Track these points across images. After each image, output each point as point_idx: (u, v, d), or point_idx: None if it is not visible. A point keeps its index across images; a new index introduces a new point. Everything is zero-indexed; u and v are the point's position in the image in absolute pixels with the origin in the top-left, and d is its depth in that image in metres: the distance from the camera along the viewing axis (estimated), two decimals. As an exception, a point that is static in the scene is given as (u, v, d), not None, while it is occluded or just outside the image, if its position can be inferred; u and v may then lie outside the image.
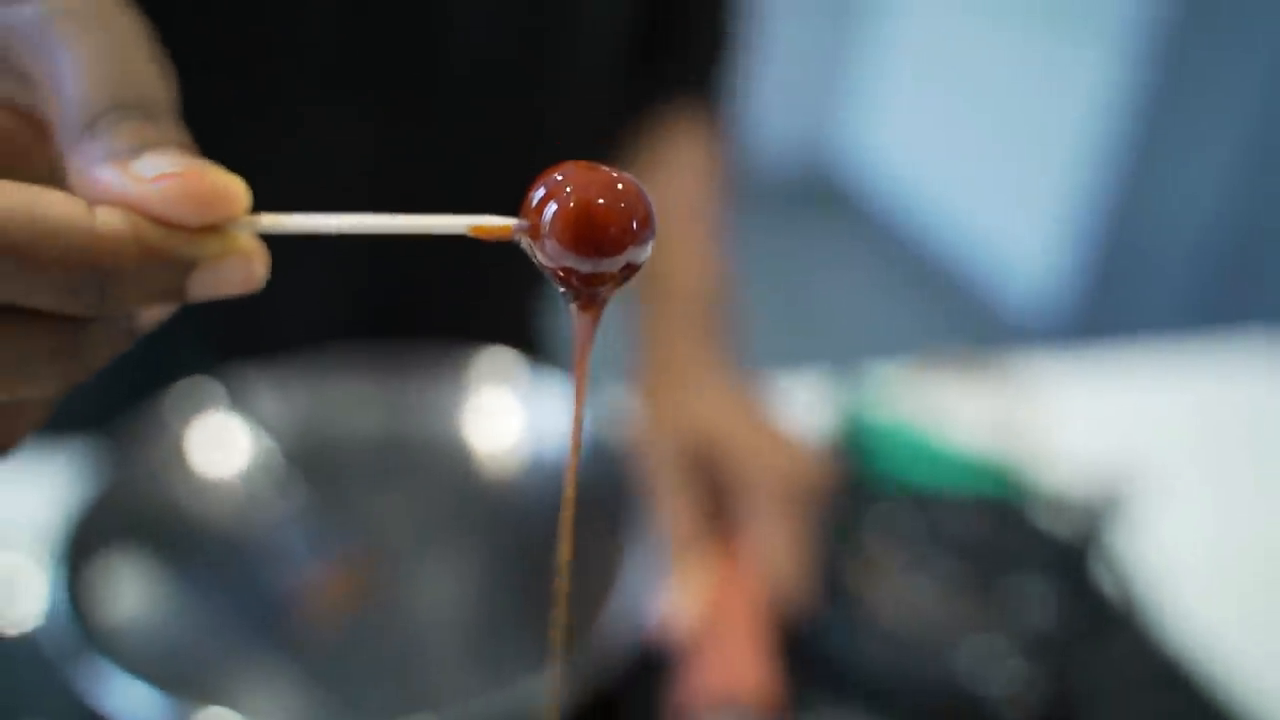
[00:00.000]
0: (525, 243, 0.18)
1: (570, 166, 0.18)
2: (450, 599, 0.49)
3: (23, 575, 0.48)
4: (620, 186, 0.18)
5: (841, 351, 0.93)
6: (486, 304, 0.65)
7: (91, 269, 0.17)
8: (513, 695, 0.37)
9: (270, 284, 0.61)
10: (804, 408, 0.66)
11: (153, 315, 0.21)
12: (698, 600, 0.48)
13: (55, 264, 0.17)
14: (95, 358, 0.19)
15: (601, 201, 0.17)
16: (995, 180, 2.59)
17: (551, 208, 0.17)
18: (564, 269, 0.18)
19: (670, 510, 0.51)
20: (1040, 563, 0.55)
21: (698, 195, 0.67)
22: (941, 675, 0.49)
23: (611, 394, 0.61)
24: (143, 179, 0.18)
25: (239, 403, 0.51)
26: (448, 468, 0.52)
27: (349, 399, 0.53)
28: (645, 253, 0.18)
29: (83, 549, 0.43)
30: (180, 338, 0.58)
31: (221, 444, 0.50)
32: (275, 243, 0.56)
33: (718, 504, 0.53)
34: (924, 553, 0.55)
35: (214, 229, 0.18)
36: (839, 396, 0.68)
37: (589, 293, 0.18)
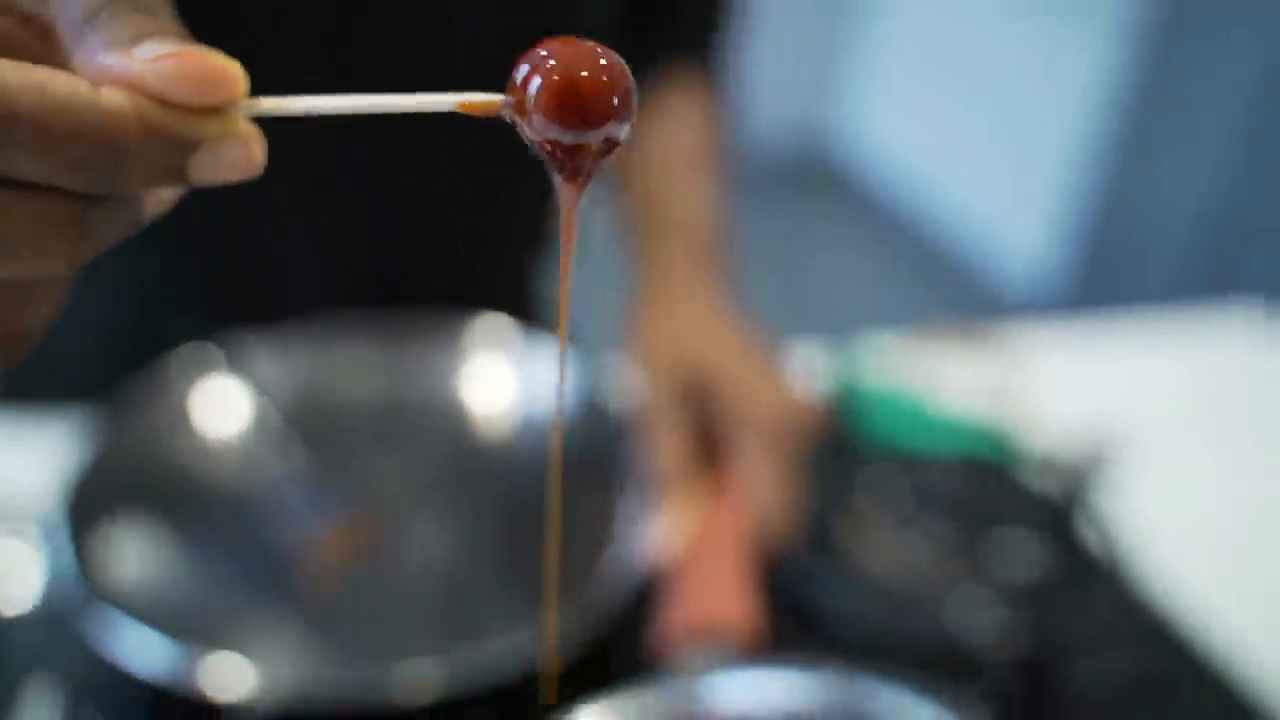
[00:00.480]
0: (511, 117, 0.19)
1: (554, 43, 0.19)
2: (447, 554, 0.50)
3: (20, 555, 0.48)
4: (603, 62, 0.18)
5: (836, 329, 0.94)
6: (484, 272, 0.66)
7: (98, 143, 0.18)
8: (507, 641, 0.38)
9: (270, 252, 0.62)
10: (798, 376, 0.67)
11: (158, 202, 0.22)
12: (683, 532, 0.49)
13: (64, 138, 0.18)
14: (103, 236, 0.20)
15: (585, 75, 0.18)
16: (989, 160, 2.62)
17: (536, 82, 0.18)
18: (549, 141, 0.19)
19: (660, 440, 0.51)
20: (1027, 519, 0.56)
21: (696, 145, 0.67)
22: (929, 626, 0.50)
23: (607, 356, 0.62)
24: (143, 60, 0.18)
25: (239, 367, 0.52)
26: (444, 429, 0.53)
27: (347, 364, 0.54)
28: (626, 128, 0.19)
29: (87, 508, 0.44)
30: (180, 306, 0.59)
31: (222, 407, 0.51)
32: (277, 212, 0.56)
33: (707, 436, 0.53)
34: (913, 511, 0.56)
35: (214, 111, 0.19)
36: (833, 364, 0.69)
37: (573, 165, 0.19)
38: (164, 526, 0.47)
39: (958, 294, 2.60)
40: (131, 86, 0.18)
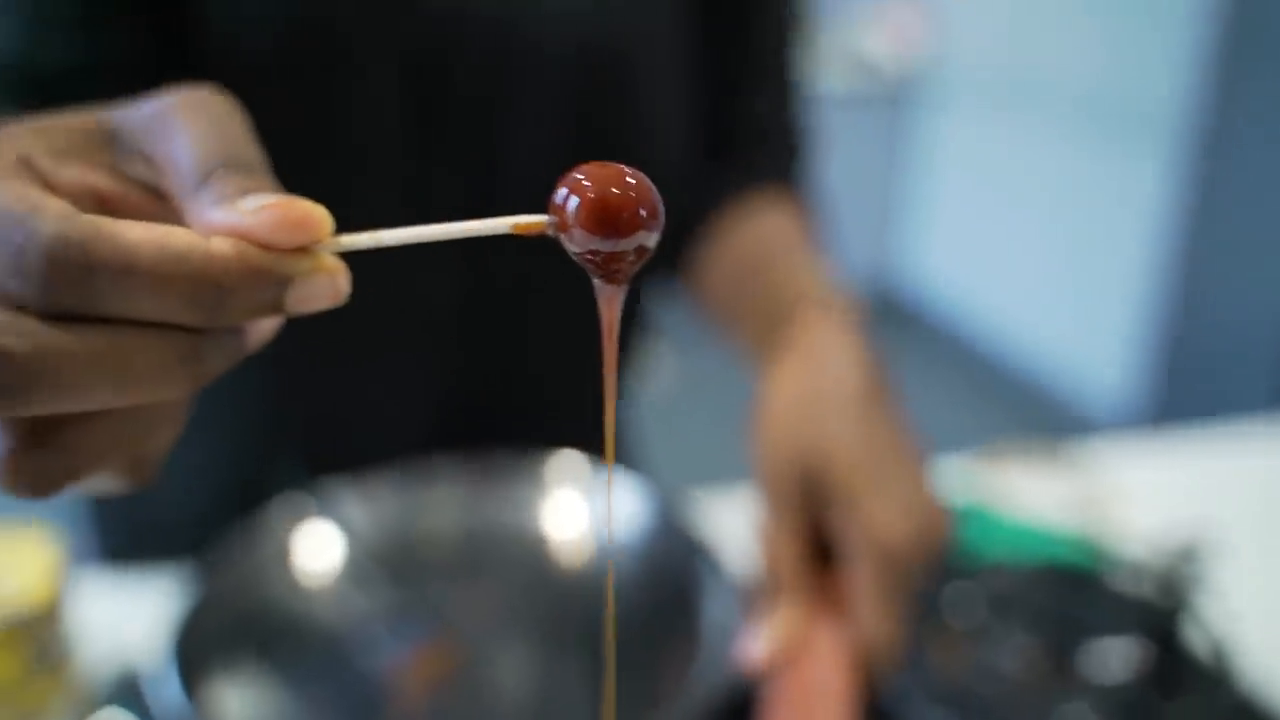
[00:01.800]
0: (555, 234, 0.22)
1: (588, 167, 0.22)
2: (529, 676, 0.50)
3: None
4: (630, 180, 0.21)
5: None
6: (567, 413, 0.68)
7: (209, 285, 0.21)
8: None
9: (361, 404, 0.66)
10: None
11: (260, 334, 0.25)
12: (780, 655, 0.45)
13: (180, 280, 0.21)
14: (215, 363, 0.23)
15: (615, 191, 0.21)
16: (1059, 287, 2.62)
17: (574, 201, 0.21)
18: (590, 252, 0.21)
19: (768, 543, 0.47)
20: (1122, 625, 0.54)
21: (793, 234, 0.65)
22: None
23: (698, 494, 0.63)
24: (246, 211, 0.22)
25: (330, 513, 0.55)
26: (523, 560, 0.55)
27: (430, 504, 0.57)
28: (655, 237, 0.22)
29: (192, 650, 0.46)
30: (276, 460, 0.63)
31: (316, 551, 0.54)
32: (365, 367, 0.60)
33: (821, 543, 0.47)
34: (1004, 622, 0.55)
35: (304, 251, 0.22)
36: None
37: (611, 271, 0.22)
38: (264, 663, 0.49)
39: (1036, 417, 2.58)
40: (237, 235, 0.22)
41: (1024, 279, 2.76)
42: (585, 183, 0.21)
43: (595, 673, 0.50)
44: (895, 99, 3.14)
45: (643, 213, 0.21)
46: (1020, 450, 0.77)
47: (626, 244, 0.21)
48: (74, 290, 0.20)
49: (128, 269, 0.20)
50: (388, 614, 0.53)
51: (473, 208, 0.58)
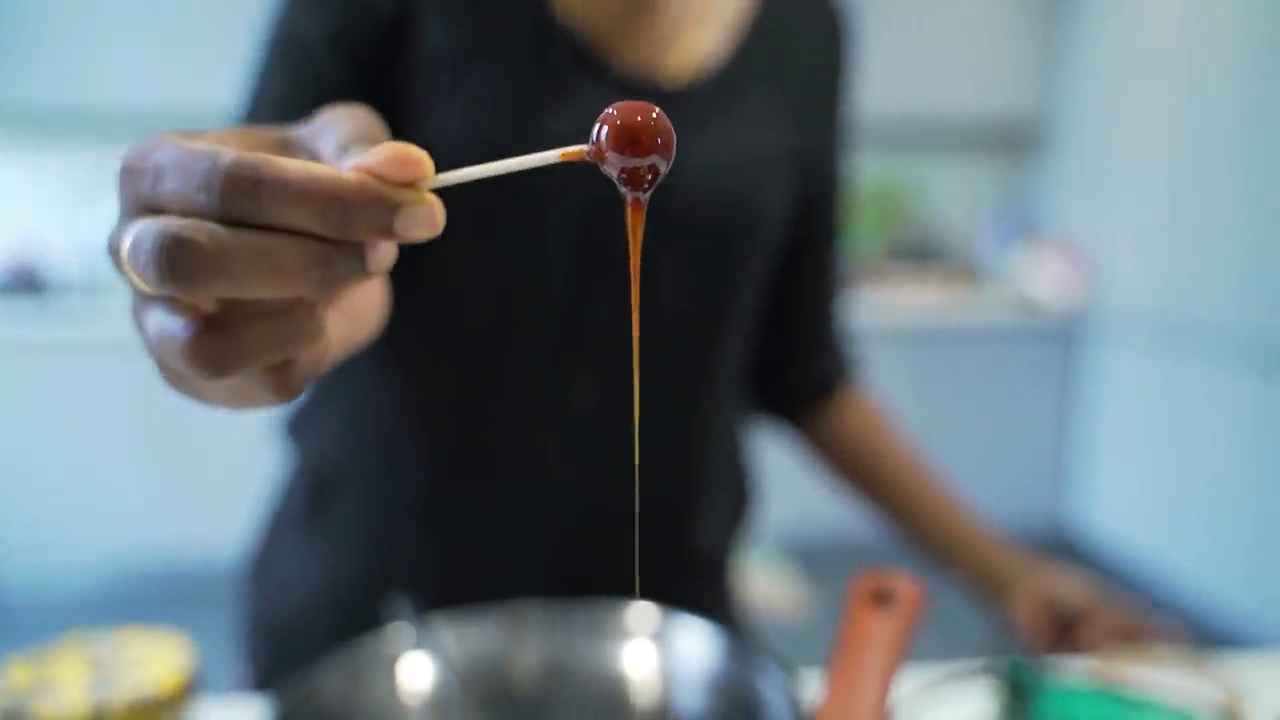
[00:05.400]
0: (592, 159, 0.28)
1: (619, 103, 0.28)
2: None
3: None
4: (652, 114, 0.28)
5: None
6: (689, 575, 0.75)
7: (337, 202, 0.28)
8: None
9: (483, 562, 0.74)
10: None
11: (380, 260, 0.31)
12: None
13: (317, 197, 0.28)
14: (340, 271, 0.29)
15: (638, 119, 0.28)
16: (1228, 523, 2.58)
17: (605, 130, 0.28)
18: (621, 170, 0.28)
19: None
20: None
21: (906, 436, 0.87)
22: None
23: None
24: (368, 154, 0.29)
25: (428, 641, 0.58)
26: (595, 696, 0.59)
27: (519, 642, 0.61)
28: (666, 163, 0.28)
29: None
30: (396, 588, 0.68)
31: (409, 675, 0.57)
32: (497, 540, 0.68)
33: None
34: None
35: (410, 185, 0.29)
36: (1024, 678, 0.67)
37: (637, 182, 0.28)
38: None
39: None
40: (361, 170, 0.29)
41: (1194, 516, 2.71)
42: (614, 114, 0.28)
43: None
44: (1060, 335, 3.24)
45: (659, 140, 0.28)
46: (1159, 653, 0.74)
47: (644, 161, 0.28)
48: (243, 201, 0.28)
49: (283, 185, 0.28)
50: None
51: (626, 335, 0.67)
